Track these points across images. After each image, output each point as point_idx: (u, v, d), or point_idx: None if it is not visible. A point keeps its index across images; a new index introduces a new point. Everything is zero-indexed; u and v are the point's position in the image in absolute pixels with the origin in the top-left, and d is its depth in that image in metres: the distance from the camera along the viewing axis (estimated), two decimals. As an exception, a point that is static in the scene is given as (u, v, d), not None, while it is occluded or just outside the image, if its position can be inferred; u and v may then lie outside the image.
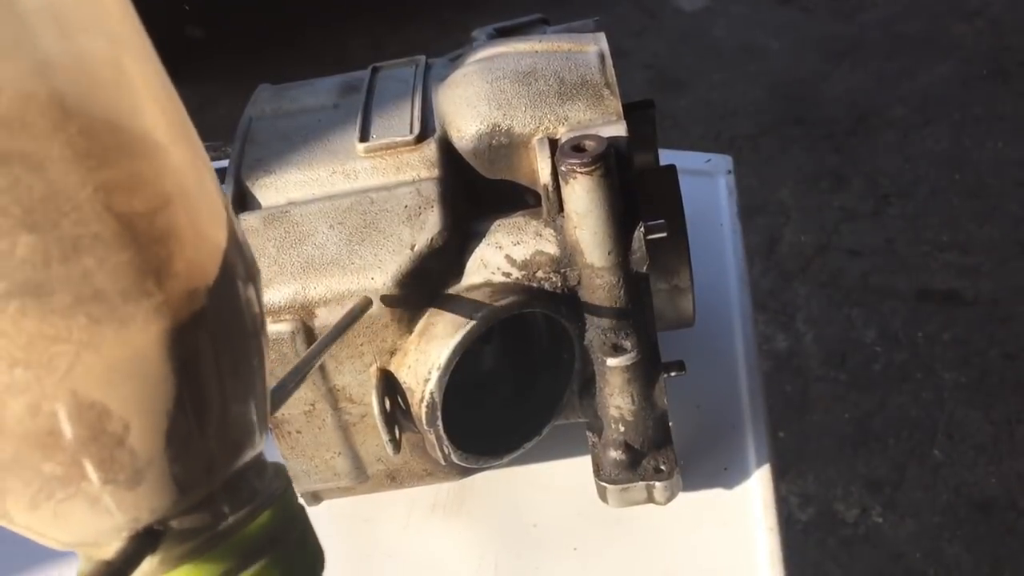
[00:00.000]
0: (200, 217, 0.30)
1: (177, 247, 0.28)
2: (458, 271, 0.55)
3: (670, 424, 0.60)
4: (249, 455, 0.31)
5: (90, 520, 0.28)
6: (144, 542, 0.29)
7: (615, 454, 0.60)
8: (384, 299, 0.53)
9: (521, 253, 0.55)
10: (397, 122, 0.59)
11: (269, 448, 0.60)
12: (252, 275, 0.32)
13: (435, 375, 0.52)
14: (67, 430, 0.26)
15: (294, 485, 0.60)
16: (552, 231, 0.55)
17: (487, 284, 0.55)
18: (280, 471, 0.33)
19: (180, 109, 0.31)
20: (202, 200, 0.30)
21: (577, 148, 0.52)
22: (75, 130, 0.26)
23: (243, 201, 0.57)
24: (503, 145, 0.57)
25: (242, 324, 0.31)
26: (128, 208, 0.27)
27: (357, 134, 0.58)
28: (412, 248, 0.53)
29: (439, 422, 0.53)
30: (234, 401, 0.30)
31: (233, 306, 0.31)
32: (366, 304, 0.52)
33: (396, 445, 0.54)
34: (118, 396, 0.27)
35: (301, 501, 0.33)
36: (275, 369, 0.54)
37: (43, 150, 0.26)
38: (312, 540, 0.34)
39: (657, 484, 0.60)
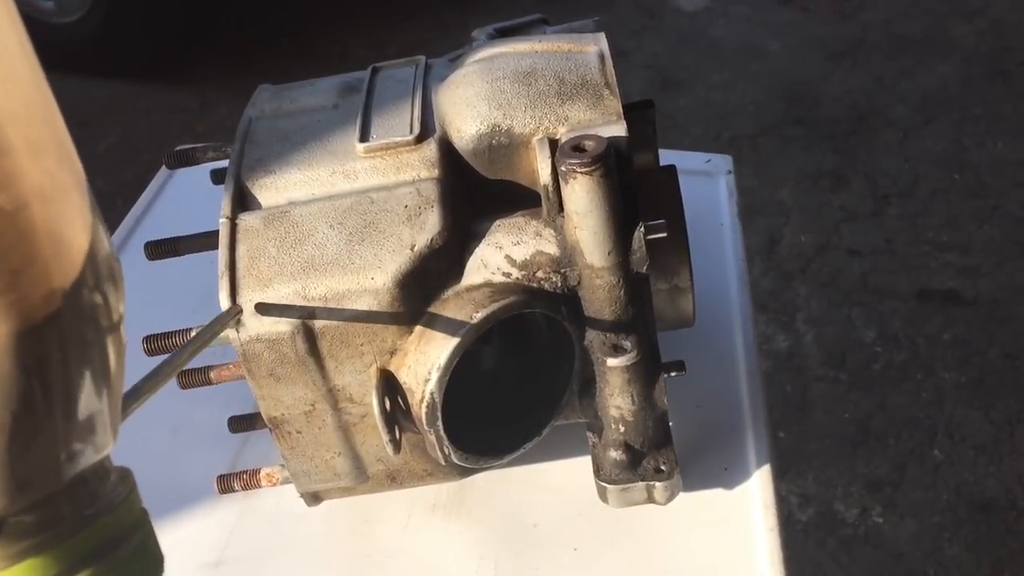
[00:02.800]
0: (61, 221, 0.29)
1: (35, 249, 0.28)
2: (458, 271, 0.55)
3: (670, 424, 0.60)
4: (93, 458, 0.31)
5: None
6: None
7: (615, 454, 0.60)
8: (384, 299, 0.53)
9: (521, 253, 0.55)
10: (397, 122, 0.59)
11: (269, 448, 0.60)
12: (111, 280, 0.32)
13: (435, 375, 0.52)
14: None
15: (295, 485, 0.60)
16: (552, 231, 0.55)
17: (487, 284, 0.55)
18: (125, 476, 0.33)
19: (53, 109, 0.30)
20: (64, 203, 0.30)
21: (577, 148, 0.52)
22: None
23: (243, 201, 0.57)
24: (503, 145, 0.57)
25: (97, 328, 0.31)
26: None
27: (357, 134, 0.58)
28: (412, 248, 0.53)
29: (439, 422, 0.53)
30: (82, 404, 0.30)
31: (89, 311, 0.30)
32: (236, 312, 0.51)
33: (396, 445, 0.54)
34: None
35: (143, 506, 0.33)
36: (275, 369, 0.54)
37: None
38: (153, 547, 0.34)
39: (657, 484, 0.60)
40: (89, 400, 0.30)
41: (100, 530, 0.31)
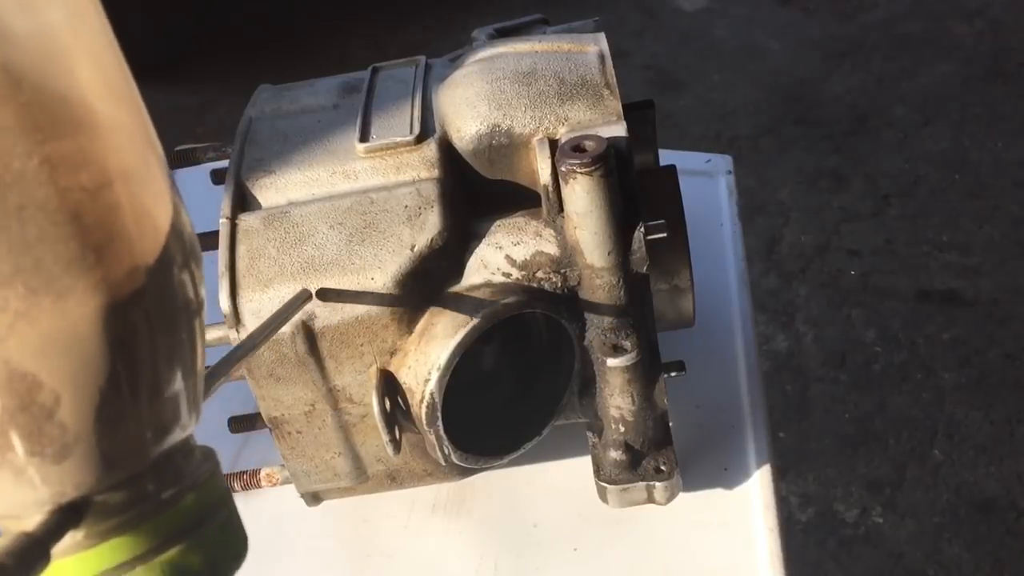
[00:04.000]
0: (144, 198, 0.30)
1: (119, 225, 0.28)
2: (458, 271, 0.55)
3: (670, 424, 0.60)
4: (179, 436, 0.31)
5: (13, 492, 0.28)
6: (67, 516, 0.29)
7: (615, 454, 0.60)
8: (384, 299, 0.53)
9: (521, 253, 0.55)
10: (397, 122, 0.59)
11: (270, 448, 0.60)
12: (193, 259, 0.32)
13: (435, 375, 0.52)
14: None
15: (295, 485, 0.60)
16: (552, 231, 0.55)
17: (487, 284, 0.55)
18: (209, 454, 0.33)
19: (133, 90, 0.31)
20: (147, 181, 0.30)
21: (577, 148, 0.52)
22: (25, 101, 0.26)
23: (243, 201, 0.57)
24: (503, 145, 0.57)
25: (180, 306, 0.31)
26: (73, 182, 0.27)
27: (357, 134, 0.58)
28: (412, 248, 0.53)
29: (439, 422, 0.53)
30: (167, 382, 0.30)
31: (172, 288, 0.31)
32: (306, 296, 0.52)
33: (396, 445, 0.54)
34: (51, 368, 0.27)
35: (227, 485, 0.34)
36: (275, 369, 0.54)
37: (1, 126, 0.26)
38: (237, 525, 0.34)
39: (657, 484, 0.60)
40: (174, 377, 0.31)
41: (186, 508, 0.31)
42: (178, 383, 0.31)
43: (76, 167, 0.27)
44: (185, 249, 0.32)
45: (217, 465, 0.33)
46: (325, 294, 0.53)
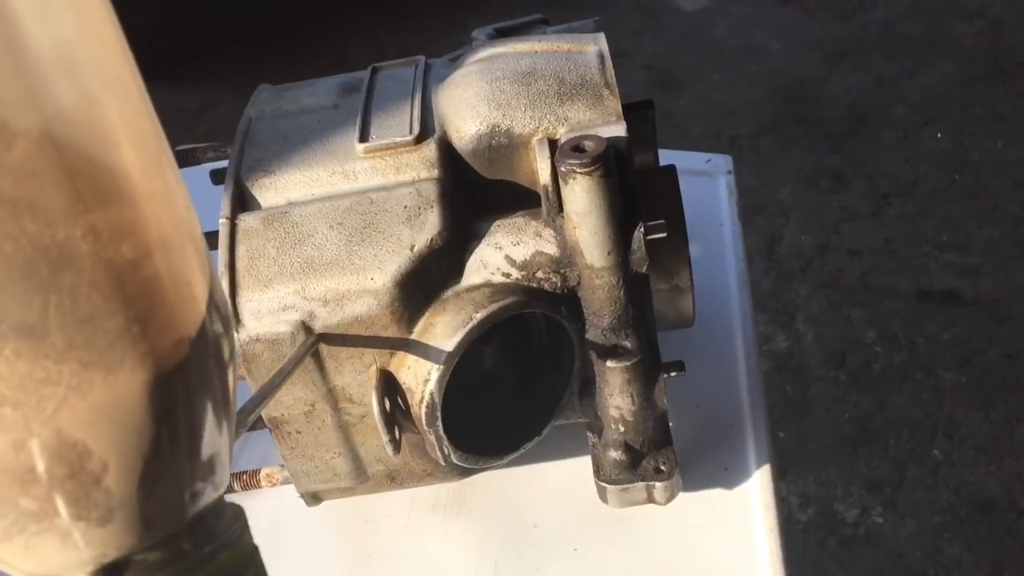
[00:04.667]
0: (182, 268, 0.30)
1: (160, 296, 0.29)
2: (458, 271, 0.55)
3: (670, 424, 0.60)
4: (213, 496, 0.32)
5: (58, 554, 0.29)
6: None
7: (615, 454, 0.60)
8: (384, 299, 0.53)
9: (521, 253, 0.55)
10: (397, 122, 0.59)
11: (270, 448, 0.60)
12: (227, 319, 0.33)
13: (435, 375, 0.52)
14: (47, 468, 0.27)
15: (295, 485, 0.60)
16: (552, 231, 0.55)
17: (487, 284, 0.55)
18: (238, 513, 0.34)
19: (170, 159, 0.31)
20: (185, 252, 0.31)
21: (577, 148, 0.52)
22: (69, 170, 0.26)
23: (243, 201, 0.57)
24: (503, 145, 0.57)
25: (219, 370, 0.32)
26: (116, 254, 0.28)
27: (357, 134, 0.58)
28: (412, 248, 0.53)
29: (439, 423, 0.53)
30: (206, 444, 0.31)
31: (212, 352, 0.32)
32: (314, 340, 0.53)
33: (396, 445, 0.54)
34: (100, 438, 0.28)
35: (255, 544, 0.35)
36: (275, 369, 0.54)
37: (49, 199, 0.26)
38: None
39: (657, 484, 0.60)
40: (211, 438, 0.32)
41: (219, 566, 0.32)
42: (215, 442, 0.32)
43: (119, 238, 0.28)
44: (221, 310, 0.32)
45: (246, 523, 0.34)
46: (325, 295, 0.53)
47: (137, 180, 0.29)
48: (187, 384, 0.30)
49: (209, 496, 0.32)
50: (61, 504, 0.28)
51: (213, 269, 0.33)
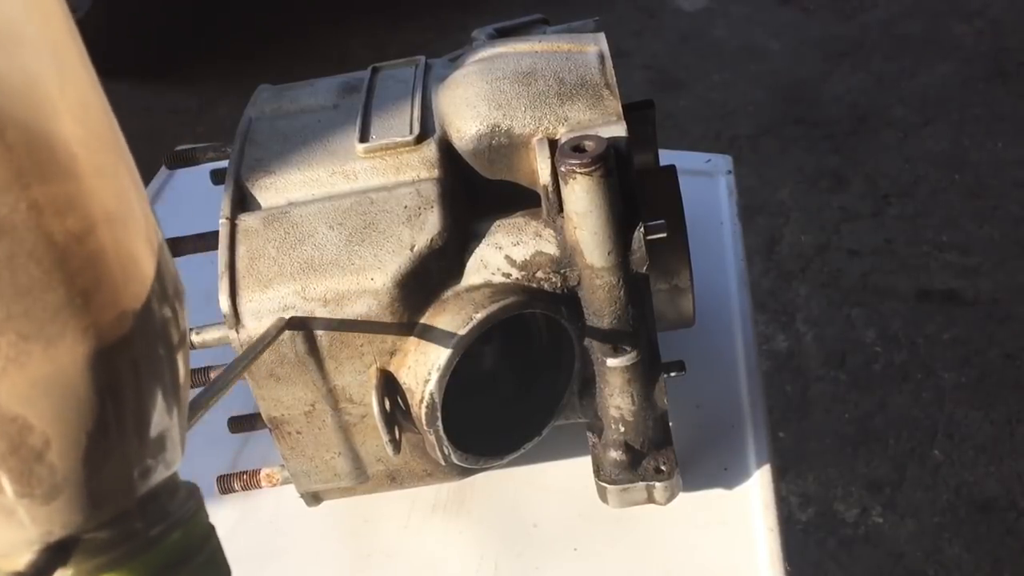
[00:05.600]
0: (128, 242, 0.30)
1: (105, 270, 0.29)
2: (458, 271, 0.55)
3: (670, 424, 0.60)
4: (164, 474, 0.32)
5: (3, 532, 0.29)
6: (55, 555, 0.29)
7: (615, 454, 0.60)
8: (384, 299, 0.53)
9: (521, 253, 0.55)
10: (397, 122, 0.59)
11: (270, 448, 0.60)
12: (177, 298, 0.33)
13: (435, 375, 0.52)
14: None
15: (295, 485, 0.60)
16: (552, 231, 0.55)
17: (487, 284, 0.55)
18: (192, 491, 0.34)
19: (117, 134, 0.31)
20: (131, 225, 0.30)
21: (577, 148, 0.52)
22: (10, 143, 0.26)
23: (243, 202, 0.57)
24: (503, 145, 0.57)
25: (166, 346, 0.32)
26: (60, 228, 0.27)
27: (357, 134, 0.58)
28: (412, 248, 0.53)
29: (439, 423, 0.53)
30: (153, 421, 0.31)
31: (158, 330, 0.31)
32: (282, 324, 0.52)
33: (396, 445, 0.54)
34: (41, 412, 0.28)
35: (211, 521, 0.34)
36: (275, 369, 0.54)
37: None
38: (221, 561, 0.35)
39: (657, 484, 0.60)
40: (160, 417, 0.31)
41: (172, 545, 0.32)
42: (164, 421, 0.31)
43: (62, 212, 0.27)
44: (169, 290, 0.32)
45: (201, 502, 0.34)
46: (322, 298, 0.53)
47: (80, 155, 0.28)
48: (132, 359, 0.30)
49: (160, 474, 0.32)
50: (4, 480, 0.27)
51: (164, 246, 0.32)
